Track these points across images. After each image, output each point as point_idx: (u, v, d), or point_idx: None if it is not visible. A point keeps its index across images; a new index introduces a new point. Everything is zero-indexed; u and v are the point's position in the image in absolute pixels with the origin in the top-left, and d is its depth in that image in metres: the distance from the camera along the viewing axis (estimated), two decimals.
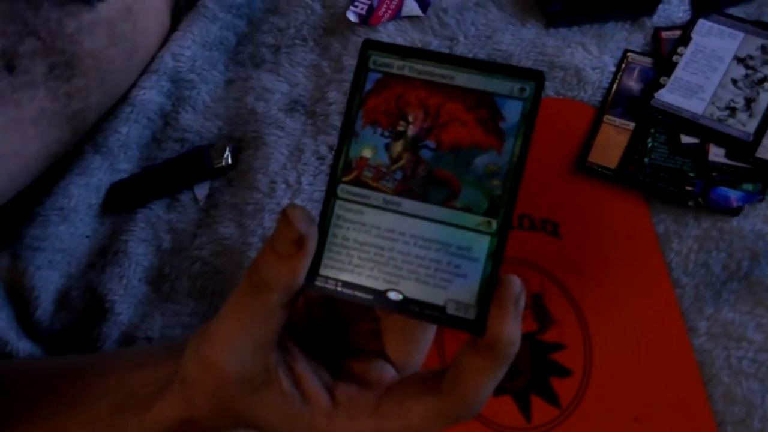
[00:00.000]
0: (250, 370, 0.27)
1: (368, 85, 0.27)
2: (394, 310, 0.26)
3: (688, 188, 0.43)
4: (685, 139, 0.45)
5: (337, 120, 0.48)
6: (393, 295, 0.26)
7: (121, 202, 0.47)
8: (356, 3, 0.51)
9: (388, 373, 0.29)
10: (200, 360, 0.27)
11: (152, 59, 0.50)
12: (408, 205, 0.26)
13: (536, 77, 0.25)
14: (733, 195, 0.43)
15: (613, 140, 0.45)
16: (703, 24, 0.48)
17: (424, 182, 0.26)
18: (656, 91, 0.46)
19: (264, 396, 0.27)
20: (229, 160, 0.48)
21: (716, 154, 0.44)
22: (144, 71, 0.49)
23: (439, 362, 0.42)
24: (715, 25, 0.48)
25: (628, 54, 0.48)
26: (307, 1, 0.52)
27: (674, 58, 0.47)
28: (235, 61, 0.52)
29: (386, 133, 0.26)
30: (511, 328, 0.25)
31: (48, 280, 0.44)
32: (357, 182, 0.27)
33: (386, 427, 0.27)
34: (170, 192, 0.48)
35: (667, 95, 0.46)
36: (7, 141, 0.40)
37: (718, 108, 0.45)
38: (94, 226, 0.47)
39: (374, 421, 0.27)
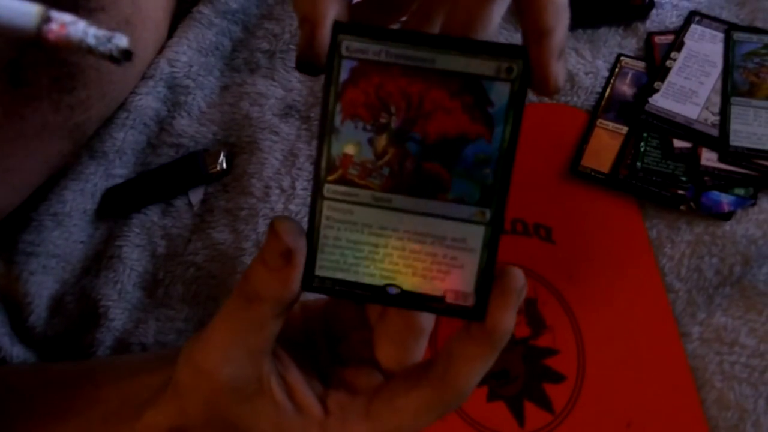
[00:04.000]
0: (242, 378, 0.27)
1: (343, 75, 0.25)
2: (393, 304, 0.26)
3: (681, 192, 0.43)
4: (678, 144, 0.45)
5: None
6: (391, 290, 0.26)
7: (116, 207, 0.47)
8: None
9: (378, 379, 0.29)
10: (193, 366, 0.27)
11: (148, 65, 0.50)
12: (398, 200, 0.25)
13: (523, 54, 0.24)
14: (725, 199, 0.43)
15: (606, 144, 0.46)
16: (695, 29, 0.48)
17: (413, 176, 0.25)
18: (650, 96, 0.46)
19: (256, 405, 0.27)
20: (224, 165, 0.48)
21: (708, 158, 0.44)
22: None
23: None
24: (708, 30, 0.48)
25: (622, 59, 0.48)
26: None
27: (667, 63, 0.47)
28: (231, 67, 0.52)
29: (368, 127, 0.25)
30: (511, 317, 0.25)
31: (42, 285, 0.44)
32: (343, 181, 0.25)
33: (380, 429, 0.27)
34: (165, 197, 0.48)
35: (661, 100, 0.46)
36: (12, 155, 0.40)
37: (713, 113, 0.45)
38: (89, 232, 0.47)
39: (367, 425, 0.27)
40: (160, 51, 0.50)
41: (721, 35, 0.48)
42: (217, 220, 0.47)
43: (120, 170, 0.48)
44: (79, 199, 0.46)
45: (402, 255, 0.25)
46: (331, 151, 0.25)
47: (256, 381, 0.27)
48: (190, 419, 0.28)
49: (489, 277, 0.25)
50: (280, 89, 0.50)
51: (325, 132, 0.25)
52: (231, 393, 0.27)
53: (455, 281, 0.25)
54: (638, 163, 0.44)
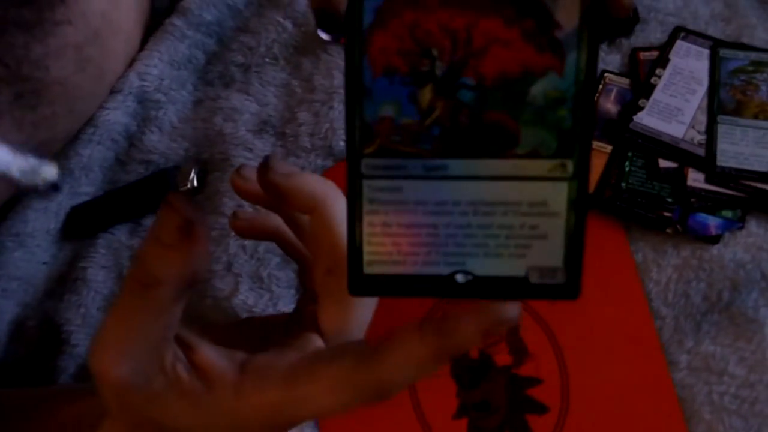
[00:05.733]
0: (143, 372, 0.24)
1: (367, 18, 0.20)
2: (465, 295, 0.21)
3: (667, 214, 0.42)
4: (664, 164, 0.43)
5: (307, 141, 0.47)
6: (460, 278, 0.21)
7: (82, 227, 0.46)
8: None
9: (313, 342, 0.27)
10: (94, 372, 0.25)
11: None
12: (456, 165, 0.21)
13: None
14: (712, 222, 0.41)
15: (590, 164, 0.44)
16: (681, 45, 0.47)
17: (472, 132, 0.20)
18: (635, 113, 0.45)
19: (170, 399, 0.25)
20: (195, 183, 0.46)
21: (695, 179, 0.43)
22: None
23: (411, 403, 0.40)
24: (693, 46, 0.47)
25: (606, 75, 0.47)
26: (278, 19, 0.51)
27: (652, 79, 0.46)
28: (204, 81, 0.50)
29: (407, 80, 0.20)
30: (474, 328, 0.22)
31: (2, 309, 0.43)
32: (384, 151, 0.21)
33: (293, 395, 0.24)
34: (133, 216, 0.46)
35: (646, 118, 0.45)
36: None
37: (699, 132, 0.44)
38: (53, 252, 0.45)
39: (281, 389, 0.25)
40: (131, 63, 0.49)
41: (707, 51, 0.47)
42: None
43: (86, 188, 0.46)
44: (43, 218, 0.45)
45: (469, 233, 0.21)
46: (365, 117, 0.21)
47: (161, 373, 0.25)
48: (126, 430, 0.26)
49: (579, 245, 0.21)
50: (255, 104, 0.49)
51: (353, 94, 0.20)
52: (138, 391, 0.24)
53: (539, 255, 0.21)
54: (623, 184, 0.43)
